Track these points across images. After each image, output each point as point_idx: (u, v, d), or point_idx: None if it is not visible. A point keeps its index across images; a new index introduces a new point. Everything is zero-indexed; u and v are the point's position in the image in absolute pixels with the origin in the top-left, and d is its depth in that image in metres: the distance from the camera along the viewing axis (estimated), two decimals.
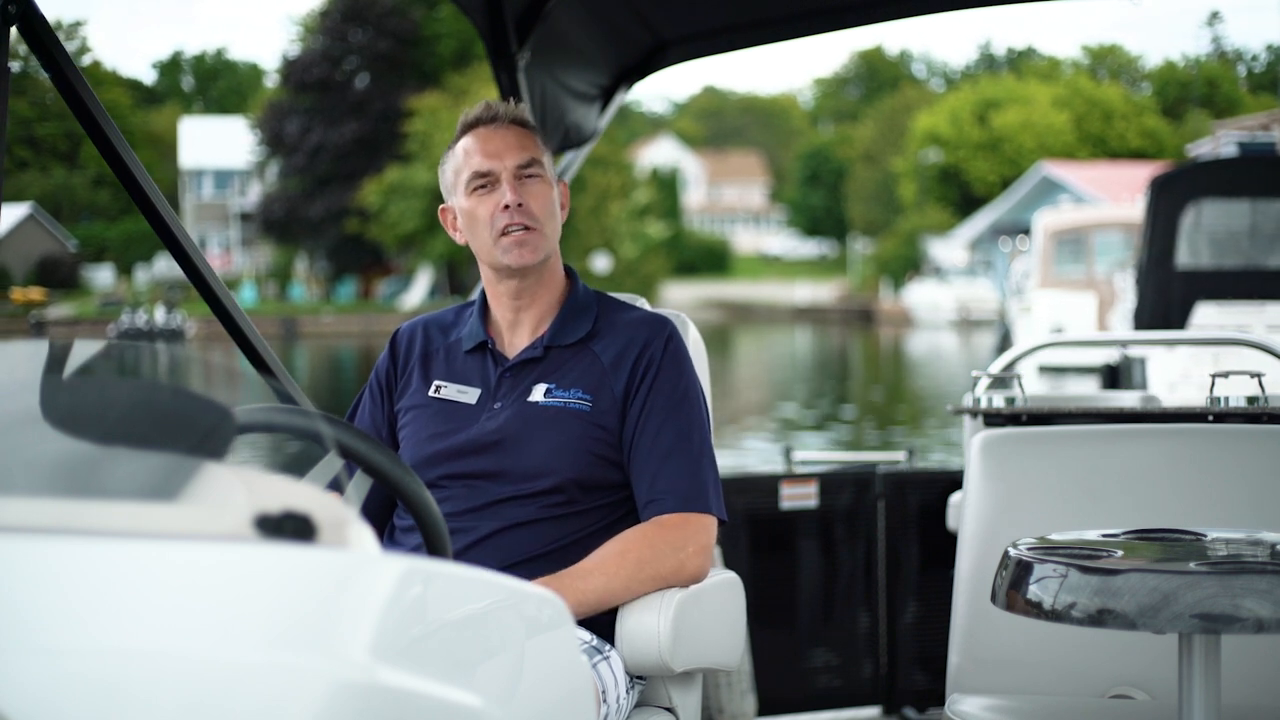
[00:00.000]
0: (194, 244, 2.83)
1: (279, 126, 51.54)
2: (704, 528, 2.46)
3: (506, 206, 2.49)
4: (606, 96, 4.37)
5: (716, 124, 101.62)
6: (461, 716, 1.31)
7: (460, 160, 2.55)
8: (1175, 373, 9.85)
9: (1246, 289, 9.82)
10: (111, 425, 1.34)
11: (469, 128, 2.57)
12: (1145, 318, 9.72)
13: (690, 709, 2.54)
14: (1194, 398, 8.65)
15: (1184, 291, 9.61)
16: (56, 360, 1.44)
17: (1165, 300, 9.63)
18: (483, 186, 2.52)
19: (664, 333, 2.55)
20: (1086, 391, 11.50)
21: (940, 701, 2.88)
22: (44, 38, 2.53)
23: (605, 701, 2.31)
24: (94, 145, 2.69)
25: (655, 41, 4.23)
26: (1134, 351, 10.41)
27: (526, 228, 2.49)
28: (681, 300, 56.44)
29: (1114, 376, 10.78)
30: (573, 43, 4.14)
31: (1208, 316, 9.53)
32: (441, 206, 2.63)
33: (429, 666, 1.27)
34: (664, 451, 2.46)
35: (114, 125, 2.67)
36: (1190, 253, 9.98)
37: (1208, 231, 10.18)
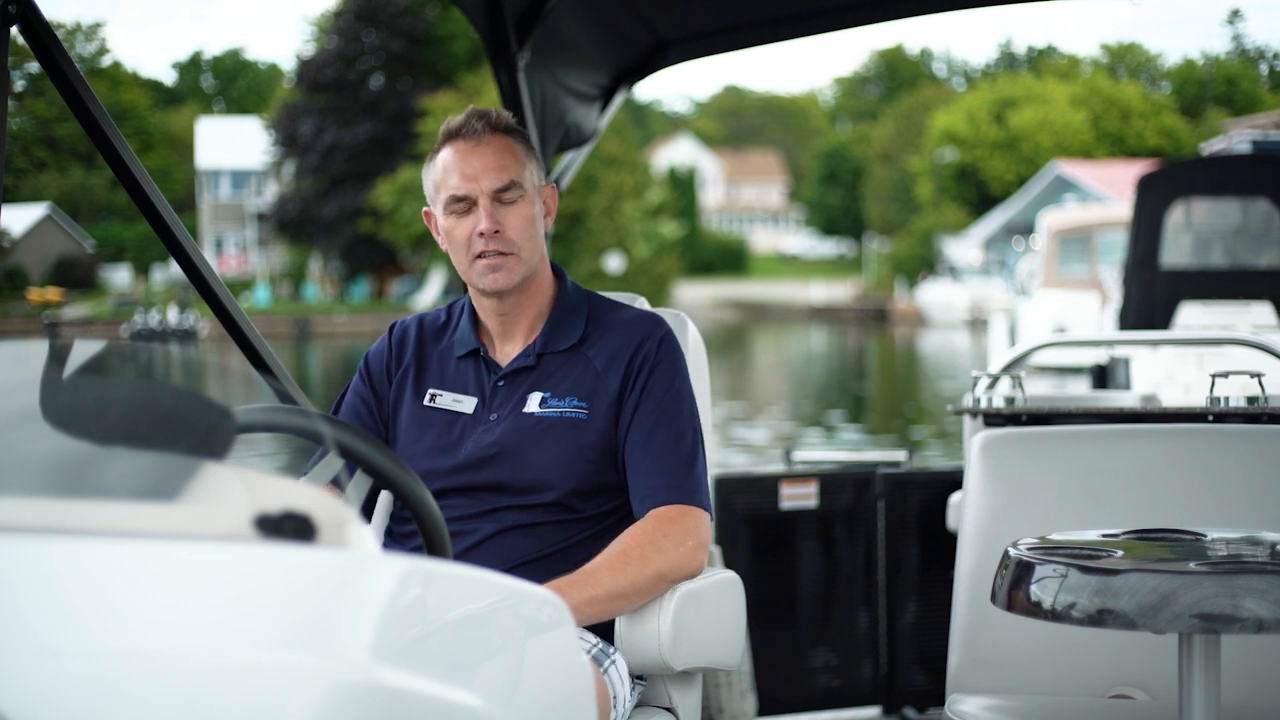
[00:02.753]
0: (194, 244, 2.83)
1: (293, 127, 51.63)
2: (701, 522, 2.46)
3: (483, 233, 2.45)
4: (606, 96, 4.37)
5: (736, 123, 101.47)
6: (461, 716, 1.31)
7: (439, 175, 2.50)
8: (1159, 373, 9.80)
9: (1231, 289, 9.74)
10: (111, 425, 1.34)
11: (449, 138, 2.51)
12: (1130, 318, 9.64)
13: (690, 709, 2.54)
14: (1179, 398, 8.62)
15: (1168, 291, 9.51)
16: (57, 360, 1.44)
17: (1150, 300, 9.53)
18: (460, 209, 2.48)
19: (657, 332, 2.53)
20: (1079, 392, 11.47)
21: (940, 701, 2.88)
22: (44, 38, 2.53)
23: (615, 706, 2.30)
24: (96, 145, 2.69)
25: (655, 41, 4.23)
26: (1119, 352, 10.37)
27: (502, 253, 2.46)
28: (696, 300, 56.35)
29: (1103, 377, 10.73)
30: (573, 43, 4.14)
31: (1192, 316, 9.44)
32: (425, 210, 2.60)
33: (429, 666, 1.27)
34: (657, 449, 2.45)
35: (114, 126, 2.67)
36: (1175, 252, 9.89)
37: (1193, 231, 10.11)
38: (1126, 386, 9.93)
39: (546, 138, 4.09)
